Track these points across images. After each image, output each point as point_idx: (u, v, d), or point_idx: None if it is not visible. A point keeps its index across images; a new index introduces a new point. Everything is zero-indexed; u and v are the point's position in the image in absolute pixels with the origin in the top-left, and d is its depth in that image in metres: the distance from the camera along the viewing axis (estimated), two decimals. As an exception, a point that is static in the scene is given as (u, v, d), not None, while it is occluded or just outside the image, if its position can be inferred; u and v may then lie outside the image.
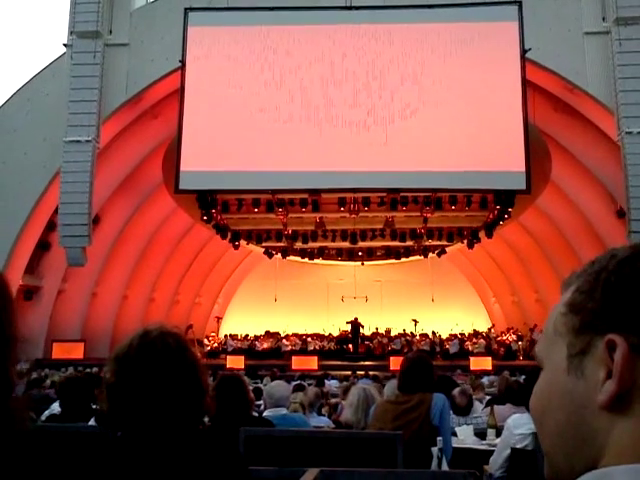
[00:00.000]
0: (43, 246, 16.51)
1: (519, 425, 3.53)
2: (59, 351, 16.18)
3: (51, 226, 15.83)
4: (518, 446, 3.49)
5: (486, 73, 13.68)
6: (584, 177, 16.23)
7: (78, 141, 13.89)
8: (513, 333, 21.17)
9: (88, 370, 10.73)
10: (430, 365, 3.63)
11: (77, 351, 16.47)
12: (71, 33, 14.70)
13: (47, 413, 5.09)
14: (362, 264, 21.86)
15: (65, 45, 15.02)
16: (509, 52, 13.72)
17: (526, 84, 13.67)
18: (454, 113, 13.56)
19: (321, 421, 5.25)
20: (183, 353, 1.48)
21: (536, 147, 13.78)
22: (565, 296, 0.63)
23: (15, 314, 0.85)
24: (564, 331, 0.60)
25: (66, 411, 3.62)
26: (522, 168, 13.15)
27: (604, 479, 0.48)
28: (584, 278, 0.61)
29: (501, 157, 13.34)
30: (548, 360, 0.62)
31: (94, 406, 3.51)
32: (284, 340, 21.81)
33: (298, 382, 9.46)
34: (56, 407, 5.15)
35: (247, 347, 21.19)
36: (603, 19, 14.25)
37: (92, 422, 3.36)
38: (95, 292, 18.35)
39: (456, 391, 5.10)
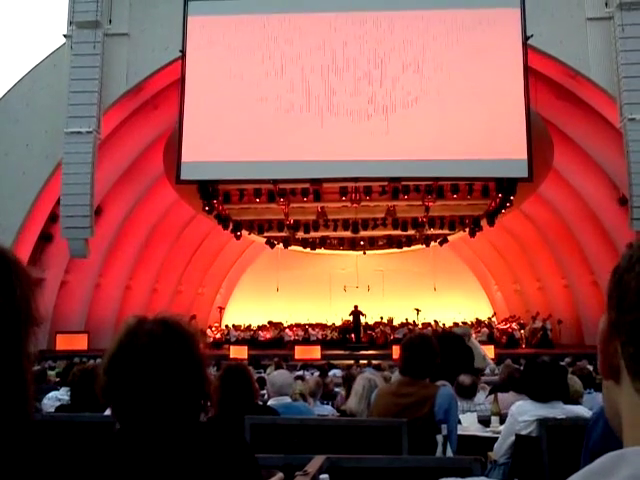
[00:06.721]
0: (46, 238, 16.50)
1: (523, 412, 3.54)
2: (63, 342, 16.20)
3: (53, 218, 15.81)
4: (522, 433, 3.50)
5: (488, 60, 13.59)
6: (586, 164, 16.16)
7: (79, 132, 13.85)
8: (515, 321, 21.19)
9: (92, 361, 10.76)
10: (433, 348, 3.38)
11: (81, 342, 16.49)
12: (70, 23, 14.61)
13: (46, 402, 5.15)
14: (364, 253, 21.84)
15: (65, 36, 14.96)
16: (511, 39, 13.64)
17: (528, 71, 13.58)
18: (456, 101, 13.49)
19: (325, 410, 5.27)
20: (163, 339, 1.43)
21: (538, 134, 13.71)
22: None
23: (33, 292, 0.74)
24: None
25: (76, 402, 3.70)
26: (524, 156, 13.10)
27: (618, 462, 0.48)
28: None
29: (503, 145, 13.29)
30: None
31: None
32: (287, 330, 21.86)
33: (299, 373, 9.49)
34: (54, 395, 5.20)
35: (250, 337, 21.24)
36: (606, 4, 14.10)
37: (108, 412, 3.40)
38: (98, 283, 18.38)
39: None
